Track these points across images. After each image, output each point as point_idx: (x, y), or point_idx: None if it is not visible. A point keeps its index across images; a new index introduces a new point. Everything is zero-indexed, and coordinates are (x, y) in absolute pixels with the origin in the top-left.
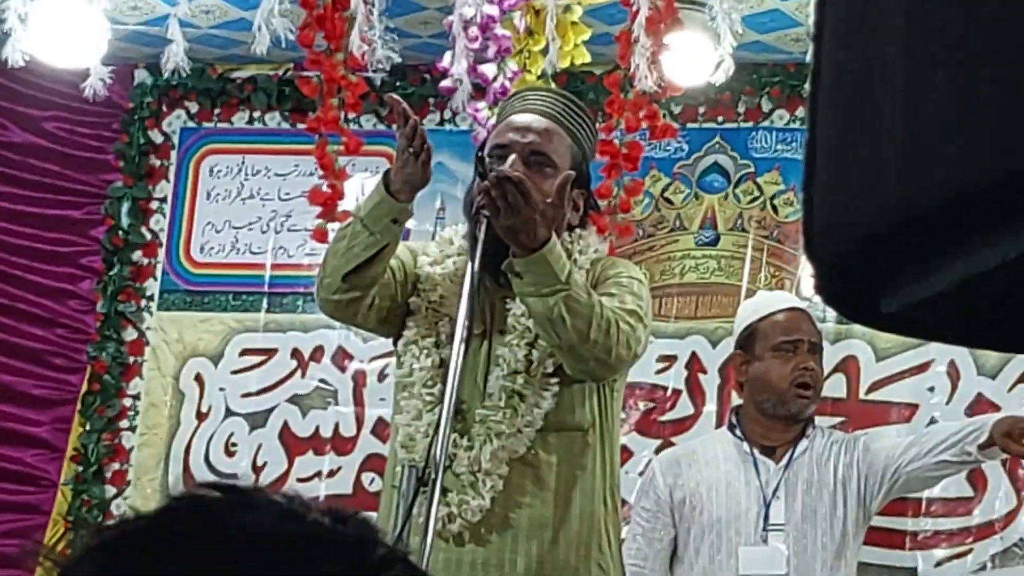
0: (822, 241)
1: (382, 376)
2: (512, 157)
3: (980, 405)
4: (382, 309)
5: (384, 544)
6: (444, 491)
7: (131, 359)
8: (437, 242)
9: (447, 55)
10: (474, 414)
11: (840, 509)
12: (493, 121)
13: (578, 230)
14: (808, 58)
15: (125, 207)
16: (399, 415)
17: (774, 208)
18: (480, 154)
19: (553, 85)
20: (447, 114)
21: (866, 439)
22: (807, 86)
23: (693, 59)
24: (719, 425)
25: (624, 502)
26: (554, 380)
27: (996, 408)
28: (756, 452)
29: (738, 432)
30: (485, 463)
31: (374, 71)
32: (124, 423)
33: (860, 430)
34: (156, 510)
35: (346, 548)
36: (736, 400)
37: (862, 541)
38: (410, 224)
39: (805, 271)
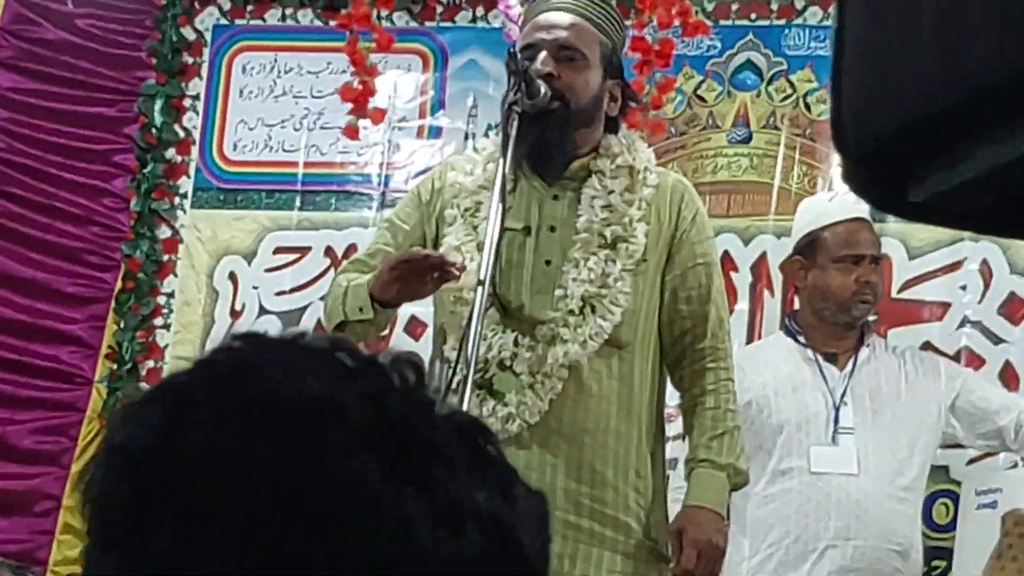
0: (851, 131)
1: None
2: (543, 54)
3: (1013, 304)
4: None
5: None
6: (498, 392)
7: (165, 257)
8: (468, 155)
9: None
10: (536, 314)
11: (909, 419)
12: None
13: (631, 135)
14: None
15: (158, 105)
16: (445, 318)
17: (807, 106)
18: (512, 50)
19: None
20: (479, 11)
21: (952, 369)
22: None
23: None
24: (751, 323)
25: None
26: (626, 296)
27: None
28: (820, 358)
29: (801, 339)
30: (548, 366)
31: None
32: (158, 321)
33: (892, 328)
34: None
35: (365, 403)
36: (768, 299)
37: (932, 452)
38: (443, 123)
39: (837, 169)
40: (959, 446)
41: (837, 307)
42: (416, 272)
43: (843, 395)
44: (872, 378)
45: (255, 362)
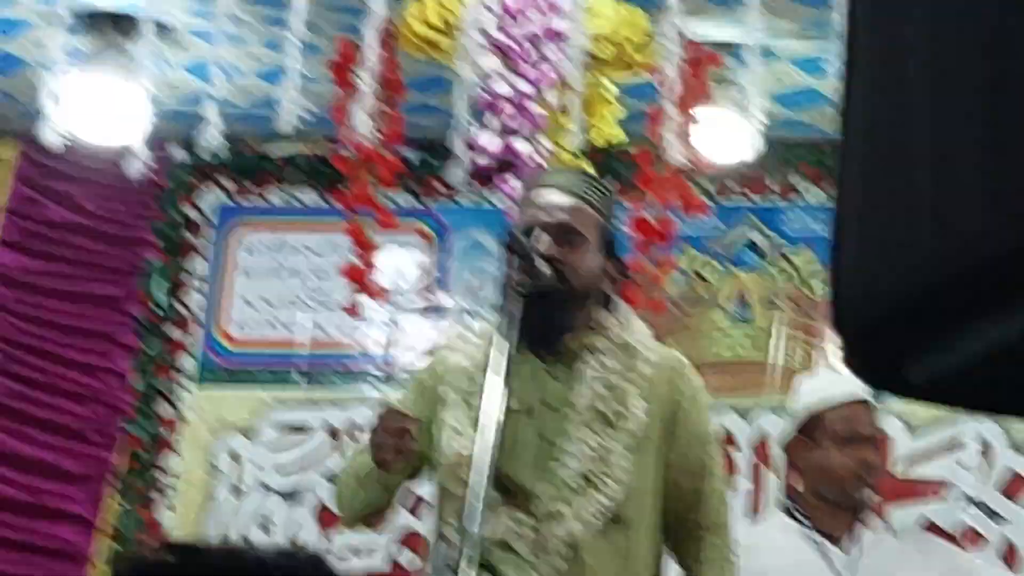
0: (848, 312)
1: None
2: (545, 236)
3: (1013, 482)
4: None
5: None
6: (500, 572)
7: (166, 435)
8: (465, 336)
9: (482, 133)
10: (537, 493)
11: None
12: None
13: (626, 311)
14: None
15: (161, 283)
16: (446, 501)
17: (808, 285)
18: (512, 231)
19: (586, 162)
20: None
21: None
22: None
23: (725, 136)
24: (753, 501)
25: None
26: (627, 472)
27: None
28: (825, 541)
29: (807, 524)
30: (550, 545)
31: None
32: (159, 498)
33: (893, 505)
34: None
35: None
36: (770, 477)
37: None
38: (446, 301)
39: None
40: None
41: (839, 489)
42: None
43: None
44: (877, 562)
45: None
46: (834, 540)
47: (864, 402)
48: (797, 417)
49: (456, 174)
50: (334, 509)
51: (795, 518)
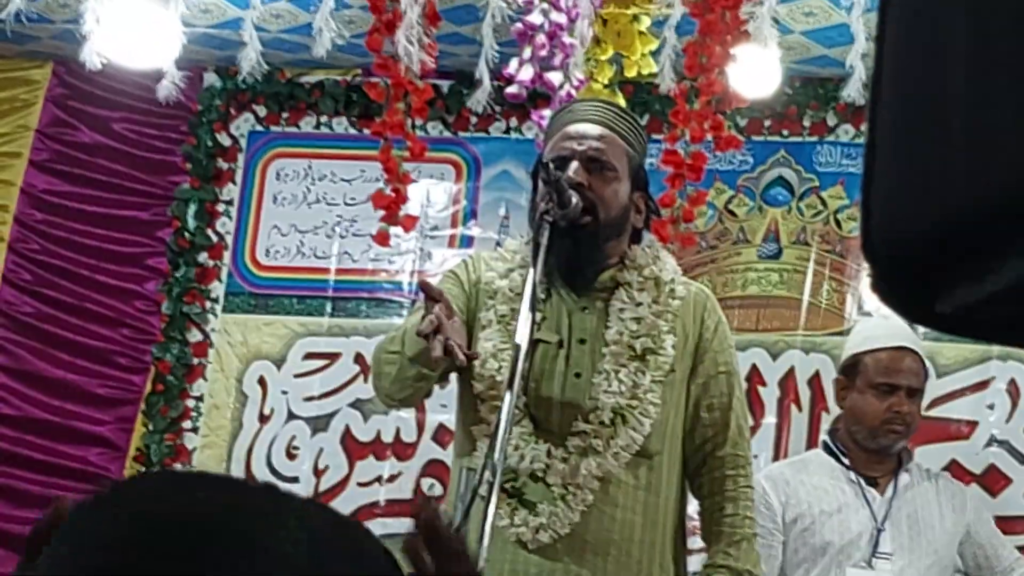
0: (879, 239)
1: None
2: (574, 164)
3: None
4: (446, 370)
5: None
6: (529, 502)
7: (195, 360)
8: (500, 255)
9: (513, 62)
10: (567, 426)
11: (941, 546)
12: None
13: (656, 246)
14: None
15: (191, 209)
16: (476, 426)
17: (837, 223)
18: (543, 161)
19: (619, 94)
20: (512, 122)
21: (976, 503)
22: None
23: (759, 72)
24: (778, 437)
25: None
26: (656, 407)
27: None
28: (862, 481)
29: (844, 460)
30: (581, 478)
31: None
32: (187, 424)
33: (920, 446)
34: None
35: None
36: (796, 414)
37: None
38: (475, 232)
39: (867, 287)
40: None
41: (867, 433)
42: (437, 333)
43: (884, 520)
44: (911, 504)
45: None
46: (872, 481)
47: (905, 349)
48: (843, 358)
49: (486, 104)
50: (374, 390)
51: (835, 456)
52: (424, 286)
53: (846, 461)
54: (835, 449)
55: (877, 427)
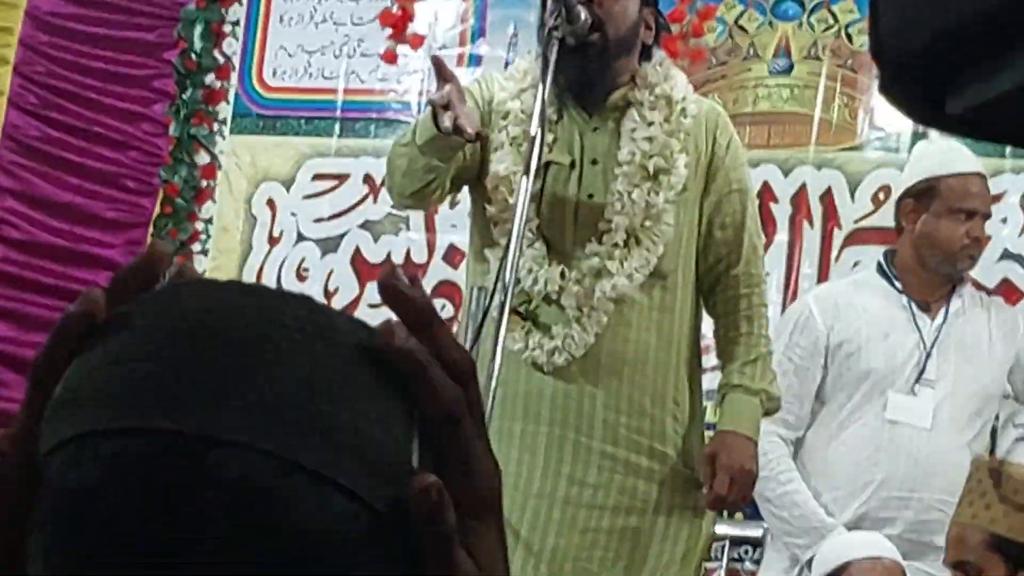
0: (889, 41)
1: (453, 203)
2: None
3: None
4: (457, 178)
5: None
6: (544, 325)
7: (203, 183)
8: (510, 74)
9: None
10: (580, 247)
11: (986, 374)
12: None
13: (667, 63)
14: None
15: (198, 30)
16: (489, 248)
17: (848, 36)
18: None
19: None
20: None
21: None
22: None
23: None
24: (790, 254)
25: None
26: (669, 227)
27: None
28: (913, 306)
29: (897, 284)
30: (595, 300)
31: None
32: (196, 246)
33: None
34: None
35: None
36: (808, 230)
37: (996, 410)
38: (483, 50)
39: (879, 101)
40: None
41: (944, 257)
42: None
43: (932, 345)
44: (961, 330)
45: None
46: (923, 306)
47: (981, 175)
48: (911, 181)
49: None
50: (387, 192)
51: (888, 280)
52: (437, 63)
53: (899, 285)
54: (890, 273)
55: (955, 252)
